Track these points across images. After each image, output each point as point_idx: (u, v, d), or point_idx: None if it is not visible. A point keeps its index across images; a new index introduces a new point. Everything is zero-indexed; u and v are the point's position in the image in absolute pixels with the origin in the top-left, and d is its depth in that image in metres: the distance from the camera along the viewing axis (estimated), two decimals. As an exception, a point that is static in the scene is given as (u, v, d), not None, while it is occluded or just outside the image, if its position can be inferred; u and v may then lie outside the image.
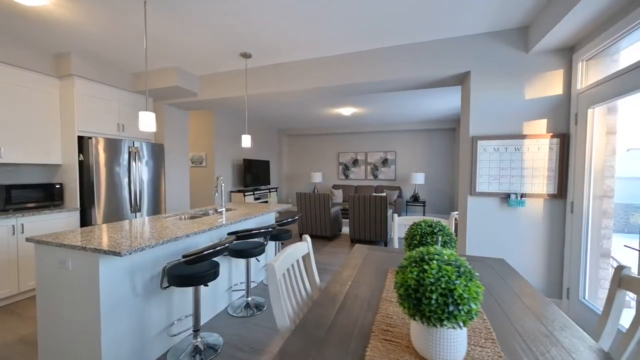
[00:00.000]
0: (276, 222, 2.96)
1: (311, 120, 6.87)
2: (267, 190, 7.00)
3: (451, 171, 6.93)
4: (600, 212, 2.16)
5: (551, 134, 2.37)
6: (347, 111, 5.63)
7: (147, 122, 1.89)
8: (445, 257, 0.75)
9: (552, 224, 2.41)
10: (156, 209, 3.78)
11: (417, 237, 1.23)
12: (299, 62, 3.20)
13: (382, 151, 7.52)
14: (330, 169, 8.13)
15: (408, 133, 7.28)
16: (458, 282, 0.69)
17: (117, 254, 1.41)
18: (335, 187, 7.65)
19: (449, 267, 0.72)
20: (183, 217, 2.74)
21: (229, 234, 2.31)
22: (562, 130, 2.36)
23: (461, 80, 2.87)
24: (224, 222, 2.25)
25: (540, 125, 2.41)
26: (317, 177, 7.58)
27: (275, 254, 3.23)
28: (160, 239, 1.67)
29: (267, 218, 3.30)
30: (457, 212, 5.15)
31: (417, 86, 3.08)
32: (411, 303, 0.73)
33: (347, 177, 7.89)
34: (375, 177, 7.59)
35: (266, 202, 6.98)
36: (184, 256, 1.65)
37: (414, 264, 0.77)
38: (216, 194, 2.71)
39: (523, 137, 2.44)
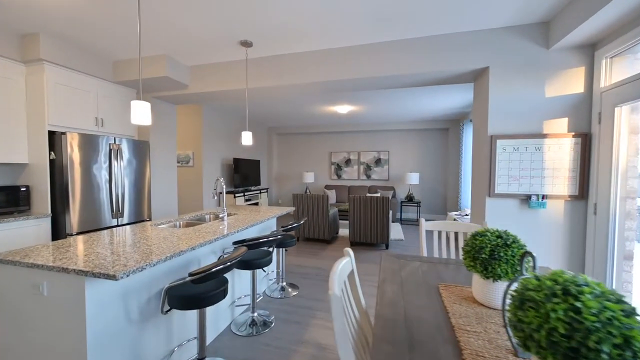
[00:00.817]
0: (281, 227, 2.71)
1: (303, 118, 6.63)
2: (258, 191, 6.68)
3: (444, 171, 6.95)
4: (624, 214, 2.11)
5: (573, 133, 2.29)
6: (343, 109, 5.45)
7: (141, 113, 1.58)
8: (598, 289, 0.56)
9: (573, 226, 2.34)
10: (140, 213, 3.40)
11: (486, 250, 1.05)
12: (304, 54, 2.96)
13: (375, 151, 7.42)
14: (322, 169, 7.92)
15: (401, 133, 7.22)
16: (636, 327, 0.51)
17: (112, 277, 1.12)
18: (327, 187, 7.46)
19: (613, 305, 0.53)
20: (177, 224, 2.43)
21: (235, 243, 2.04)
22: (583, 130, 2.29)
23: (475, 76, 2.76)
24: (229, 230, 1.98)
25: (561, 124, 2.34)
26: (309, 177, 7.35)
27: (280, 264, 2.99)
28: (162, 254, 1.38)
29: (269, 223, 3.04)
30: (456, 213, 5.13)
31: (429, 82, 2.94)
32: (559, 354, 0.53)
33: (339, 177, 7.72)
34: (369, 177, 7.48)
35: (257, 203, 6.65)
36: (190, 274, 1.37)
37: (554, 299, 0.57)
38: (215, 198, 2.41)
39: (543, 136, 2.36)
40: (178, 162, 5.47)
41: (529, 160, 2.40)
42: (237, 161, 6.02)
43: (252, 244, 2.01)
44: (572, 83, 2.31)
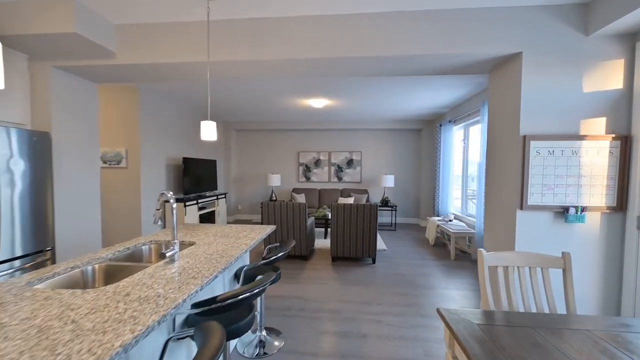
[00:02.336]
0: (263, 258, 1.92)
1: (268, 112, 5.77)
2: (215, 197, 5.61)
3: (417, 174, 6.75)
4: (671, 229, 1.84)
5: (612, 135, 1.98)
6: (319, 103, 4.77)
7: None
8: None
9: (609, 241, 2.03)
10: (37, 243, 2.25)
11: None
12: (288, 20, 2.20)
13: (347, 151, 6.91)
14: (289, 171, 7.13)
15: (373, 132, 6.84)
16: None
17: None
18: (296, 190, 6.71)
19: None
20: (88, 271, 1.47)
21: (196, 306, 1.21)
22: (623, 132, 1.99)
23: (495, 65, 2.33)
24: (187, 290, 1.14)
25: (598, 125, 2.01)
26: (275, 180, 6.50)
27: (258, 306, 2.18)
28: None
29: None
30: (438, 218, 4.85)
31: (440, 70, 2.44)
32: None
33: (308, 179, 7.03)
34: (340, 179, 6.93)
35: (213, 212, 5.59)
36: None
37: None
38: (159, 222, 1.52)
39: (581, 138, 2.00)
40: (104, 162, 4.18)
41: (564, 165, 2.03)
42: (187, 162, 4.90)
43: (227, 304, 1.21)
44: (611, 77, 1.99)
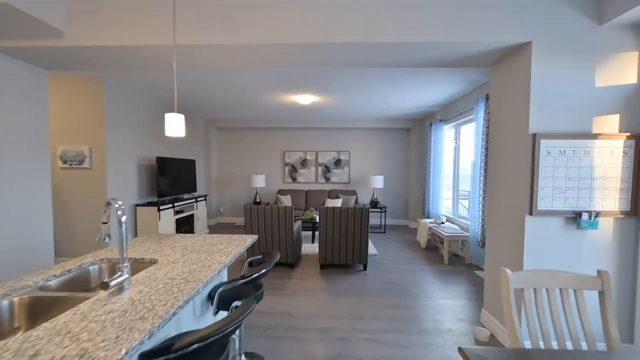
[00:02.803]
0: (241, 276, 1.62)
1: (251, 110, 5.42)
2: (194, 200, 5.20)
3: (406, 174, 6.61)
4: (689, 235, 1.70)
5: (626, 134, 1.83)
6: (305, 99, 4.49)
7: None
8: None
9: (622, 249, 1.88)
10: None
11: None
12: (272, -1, 1.91)
13: (334, 150, 6.66)
14: (274, 171, 6.80)
15: (362, 131, 6.63)
16: None
17: None
18: (281, 192, 6.39)
19: None
20: (5, 303, 1.12)
21: (145, 357, 0.90)
22: (637, 130, 1.85)
23: (498, 58, 2.14)
24: (129, 338, 0.83)
25: (611, 122, 1.85)
26: (259, 181, 6.15)
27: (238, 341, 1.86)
28: None
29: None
30: (430, 220, 4.68)
31: (440, 62, 2.22)
32: None
33: (294, 180, 6.73)
34: (328, 179, 6.68)
35: (191, 215, 5.17)
36: None
37: None
38: (106, 239, 1.19)
39: (594, 136, 1.84)
40: (64, 162, 3.71)
41: (576, 167, 1.85)
42: (162, 161, 4.48)
43: (191, 352, 0.90)
44: (624, 71, 1.84)
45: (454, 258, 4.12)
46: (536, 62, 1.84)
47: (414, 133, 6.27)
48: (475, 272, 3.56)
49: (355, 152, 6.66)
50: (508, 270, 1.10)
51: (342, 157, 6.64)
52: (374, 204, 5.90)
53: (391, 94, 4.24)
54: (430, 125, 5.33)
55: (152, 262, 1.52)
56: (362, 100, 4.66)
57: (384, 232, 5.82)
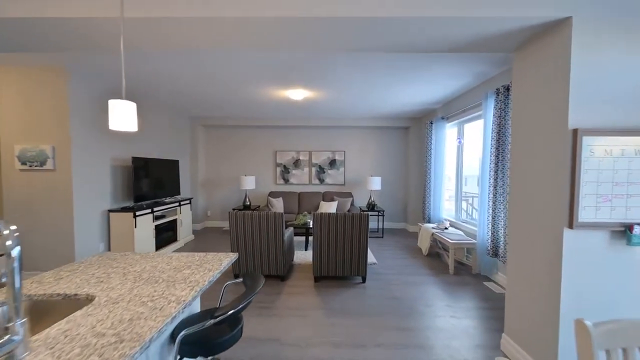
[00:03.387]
0: (213, 316, 1.24)
1: (239, 106, 5.02)
2: (177, 204, 4.78)
3: (405, 176, 6.29)
4: None
5: (683, 130, 1.51)
6: (297, 94, 4.11)
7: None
8: None
9: (676, 269, 1.57)
10: None
11: None
12: (253, -39, 1.53)
13: (329, 150, 6.30)
14: (265, 172, 6.40)
15: (358, 130, 6.29)
16: None
17: None
18: (273, 194, 6.00)
19: None
20: None
21: None
22: (696, 125, 1.54)
23: (523, 42, 1.82)
24: None
25: (665, 116, 1.54)
26: (249, 183, 5.75)
27: None
28: None
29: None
30: (432, 225, 4.36)
31: (455, 42, 1.88)
32: None
33: (286, 181, 6.35)
34: (322, 181, 6.32)
35: (174, 221, 4.75)
36: None
37: None
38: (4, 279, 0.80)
39: (645, 133, 1.52)
40: (23, 164, 3.26)
41: (625, 169, 1.53)
42: (138, 162, 4.05)
43: None
44: (680, 54, 1.52)
45: (459, 266, 3.81)
46: (577, 43, 1.52)
47: (413, 132, 5.96)
48: (485, 283, 3.25)
49: (351, 152, 6.31)
50: (588, 323, 0.76)
51: (337, 158, 6.28)
52: (371, 206, 5.57)
53: (389, 89, 3.90)
54: (431, 123, 5.02)
55: (89, 298, 1.14)
56: (358, 96, 4.31)
57: (382, 237, 5.49)
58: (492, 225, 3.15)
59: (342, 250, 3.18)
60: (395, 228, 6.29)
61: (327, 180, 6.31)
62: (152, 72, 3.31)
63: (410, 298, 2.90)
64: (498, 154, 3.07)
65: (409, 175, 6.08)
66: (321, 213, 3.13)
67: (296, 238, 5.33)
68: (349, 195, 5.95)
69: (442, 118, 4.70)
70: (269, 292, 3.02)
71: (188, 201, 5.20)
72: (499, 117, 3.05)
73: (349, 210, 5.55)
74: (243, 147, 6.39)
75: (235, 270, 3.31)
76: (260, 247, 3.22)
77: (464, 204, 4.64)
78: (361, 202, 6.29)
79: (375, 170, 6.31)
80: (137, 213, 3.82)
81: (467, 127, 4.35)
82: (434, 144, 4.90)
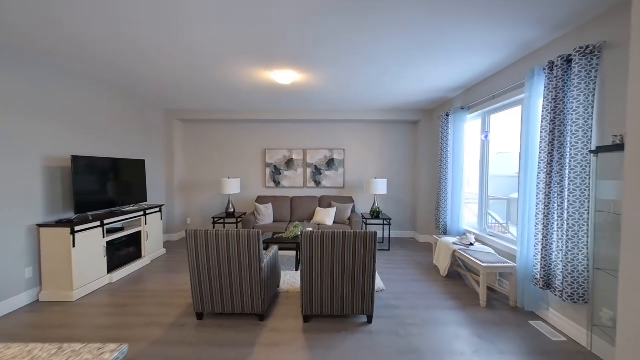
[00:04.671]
0: None
1: (217, 93, 4.19)
2: (141, 213, 3.94)
3: (414, 177, 5.47)
4: None
5: None
6: (285, 77, 3.27)
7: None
8: None
9: None
10: None
11: None
12: None
13: (326, 148, 5.47)
14: (252, 173, 5.56)
15: (360, 125, 5.46)
16: None
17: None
18: (261, 200, 5.16)
19: None
20: None
21: None
22: None
23: None
24: None
25: None
26: (232, 187, 4.91)
27: None
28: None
29: None
30: (454, 239, 3.51)
31: None
32: None
33: (278, 184, 5.51)
34: (318, 183, 5.48)
35: (137, 234, 3.92)
36: None
37: None
38: None
39: None
40: None
41: None
42: (82, 162, 3.21)
43: None
44: None
45: (490, 293, 2.98)
46: None
47: (423, 127, 5.13)
48: (532, 323, 2.42)
49: (352, 150, 5.48)
50: None
51: (335, 157, 5.45)
52: (376, 214, 4.73)
53: (398, 70, 3.08)
54: (447, 115, 4.19)
55: None
56: (358, 82, 3.48)
57: (388, 249, 4.66)
58: (543, 244, 2.32)
59: (341, 282, 2.34)
60: (403, 237, 5.46)
61: (325, 182, 5.47)
62: (110, 39, 2.47)
63: (436, 350, 2.07)
64: (553, 148, 2.24)
65: (419, 177, 5.25)
66: (311, 232, 2.30)
67: (286, 254, 4.50)
68: (350, 200, 5.12)
69: (462, 108, 3.87)
70: (240, 343, 2.18)
71: (158, 209, 4.36)
72: (554, 99, 2.23)
73: (349, 219, 4.72)
74: (228, 145, 5.54)
75: (197, 308, 2.47)
76: (230, 277, 2.38)
77: (491, 213, 3.82)
78: (364, 207, 5.46)
79: (380, 171, 5.48)
80: (78, 228, 2.97)
81: (496, 118, 3.52)
82: (451, 140, 4.07)
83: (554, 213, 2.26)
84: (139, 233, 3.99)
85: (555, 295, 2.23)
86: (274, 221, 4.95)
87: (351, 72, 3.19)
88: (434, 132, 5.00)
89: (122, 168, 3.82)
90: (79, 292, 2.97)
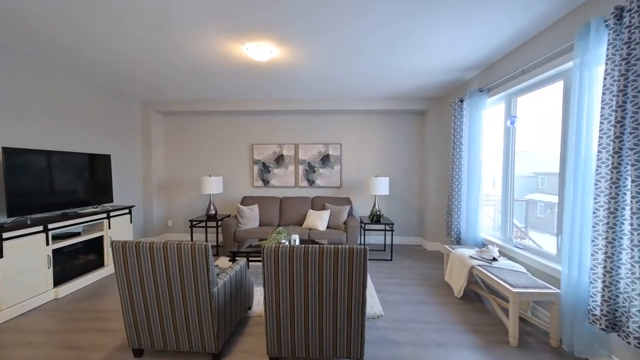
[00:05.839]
0: None
1: (193, 76, 3.63)
2: (103, 216, 3.41)
3: (421, 176, 4.79)
4: None
5: None
6: (260, 51, 2.67)
7: None
8: None
9: None
10: None
11: None
12: None
13: (321, 143, 4.85)
14: (239, 171, 4.99)
15: (359, 116, 4.81)
16: None
17: None
18: (246, 200, 4.58)
19: None
20: None
21: None
22: None
23: None
24: None
25: None
26: (213, 186, 4.35)
27: None
28: None
29: None
30: (471, 252, 2.71)
31: None
32: None
33: (266, 183, 4.92)
34: (312, 182, 4.86)
35: (99, 239, 3.39)
36: None
37: None
38: None
39: None
40: None
41: None
42: (19, 156, 2.67)
43: None
44: None
45: (521, 324, 2.29)
46: None
47: (432, 117, 4.45)
48: (586, 375, 1.74)
49: (350, 145, 4.84)
50: None
51: (331, 152, 4.82)
52: (376, 217, 4.07)
53: (401, 38, 2.43)
54: (461, 101, 3.51)
55: None
56: (350, 58, 2.85)
57: (391, 259, 4.00)
58: (606, 267, 1.64)
59: (318, 314, 1.71)
60: (409, 244, 4.78)
61: (319, 181, 4.85)
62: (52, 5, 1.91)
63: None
64: (624, 131, 1.56)
65: (426, 175, 4.57)
66: (274, 247, 1.67)
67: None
68: (347, 201, 4.48)
69: (480, 91, 3.18)
70: (176, 399, 1.58)
71: (127, 210, 3.82)
72: (625, 60, 1.55)
73: (345, 223, 4.08)
74: (212, 140, 4.99)
75: (133, 343, 1.88)
76: (172, 305, 1.79)
77: (516, 218, 3.12)
78: (363, 210, 4.81)
79: (382, 169, 4.82)
80: (6, 235, 2.43)
81: (523, 100, 2.83)
82: (466, 131, 3.39)
83: (622, 223, 1.58)
84: (100, 238, 3.46)
85: (628, 342, 1.54)
86: (260, 225, 4.36)
87: (337, 50, 2.56)
88: (444, 124, 4.32)
89: (79, 164, 3.29)
90: (10, 311, 2.44)
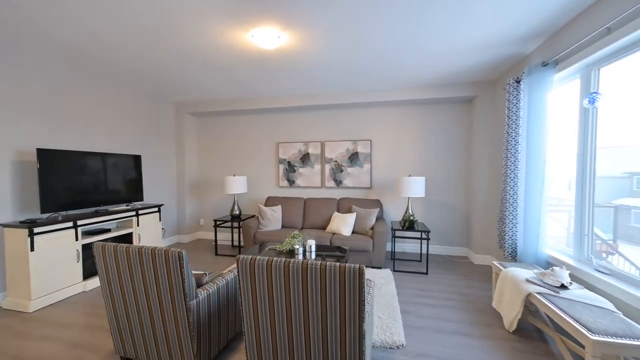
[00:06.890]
0: None
1: (206, 71, 3.58)
2: (133, 213, 3.56)
3: (466, 175, 4.07)
4: None
5: None
6: (266, 37, 2.42)
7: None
8: None
9: None
10: None
11: None
12: None
13: (349, 140, 4.45)
14: (265, 171, 4.88)
15: (391, 108, 4.30)
16: None
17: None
18: (270, 201, 4.42)
19: None
20: None
21: None
22: None
23: None
24: None
25: None
26: (237, 186, 4.29)
27: None
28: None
29: None
30: (529, 276, 1.96)
31: None
32: None
33: (292, 182, 4.71)
34: (339, 182, 4.50)
35: (128, 235, 3.54)
36: None
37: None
38: None
39: None
40: None
41: None
42: (50, 156, 2.87)
43: None
44: None
45: (605, 385, 1.62)
46: None
47: (481, 105, 3.73)
48: None
49: (381, 142, 4.35)
50: None
51: (360, 150, 4.39)
52: (409, 223, 3.53)
53: (433, 13, 1.94)
54: (517, 82, 2.80)
55: None
56: (374, 39, 2.42)
57: (426, 273, 3.41)
58: None
59: (305, 344, 1.37)
60: (451, 255, 4.10)
61: (347, 181, 4.46)
62: (95, 14, 2.01)
63: None
64: None
65: (474, 175, 3.85)
66: (251, 258, 1.38)
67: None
68: (377, 204, 4.01)
69: (544, 65, 2.47)
70: None
71: (156, 209, 3.96)
72: None
73: (372, 228, 3.63)
74: (241, 140, 4.97)
75: (119, 351, 1.78)
76: (150, 315, 1.63)
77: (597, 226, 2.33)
78: (394, 214, 4.27)
79: (419, 168, 4.22)
80: (38, 229, 2.61)
81: (609, 70, 2.08)
82: (525, 119, 2.68)
83: None
84: (129, 234, 3.62)
85: None
86: (282, 227, 4.15)
87: (356, 32, 2.17)
88: (497, 112, 3.57)
89: (109, 164, 3.47)
90: (39, 302, 2.61)
